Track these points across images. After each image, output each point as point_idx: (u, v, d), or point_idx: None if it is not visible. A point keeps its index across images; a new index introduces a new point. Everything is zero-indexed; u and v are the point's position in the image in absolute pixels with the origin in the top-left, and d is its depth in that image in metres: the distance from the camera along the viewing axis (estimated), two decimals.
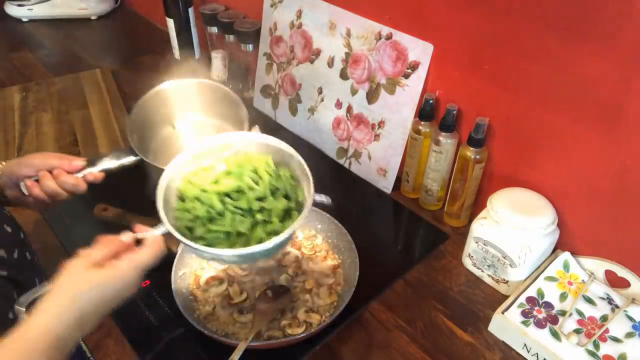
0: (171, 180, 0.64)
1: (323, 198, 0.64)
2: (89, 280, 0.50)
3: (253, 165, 0.65)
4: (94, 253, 0.53)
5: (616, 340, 0.68)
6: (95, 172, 0.71)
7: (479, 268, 0.81)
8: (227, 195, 0.63)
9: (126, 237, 0.57)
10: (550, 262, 0.78)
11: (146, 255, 0.55)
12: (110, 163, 0.75)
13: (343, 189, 1.02)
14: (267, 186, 0.63)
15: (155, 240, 0.57)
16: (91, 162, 0.72)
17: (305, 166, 0.64)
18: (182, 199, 0.64)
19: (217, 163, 0.67)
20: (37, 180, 0.67)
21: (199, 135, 0.93)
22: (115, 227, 0.87)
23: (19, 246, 0.64)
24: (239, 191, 0.64)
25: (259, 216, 0.62)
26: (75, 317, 0.48)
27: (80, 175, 0.69)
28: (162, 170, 0.67)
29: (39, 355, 0.45)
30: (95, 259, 0.52)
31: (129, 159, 0.79)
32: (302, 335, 0.68)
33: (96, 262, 0.52)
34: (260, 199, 0.63)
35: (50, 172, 0.67)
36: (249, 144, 0.68)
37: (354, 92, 0.99)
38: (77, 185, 0.68)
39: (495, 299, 0.78)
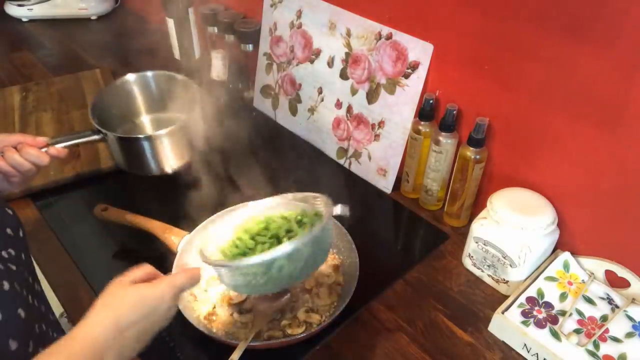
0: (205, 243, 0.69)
1: (339, 209, 0.67)
2: (128, 295, 0.52)
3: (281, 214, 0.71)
4: (135, 273, 0.55)
5: (616, 340, 0.68)
6: (58, 147, 0.74)
7: (479, 268, 0.81)
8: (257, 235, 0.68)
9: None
10: (550, 262, 0.78)
11: (183, 277, 0.57)
12: (74, 140, 0.79)
13: (343, 189, 1.02)
14: (294, 219, 0.68)
15: (192, 267, 0.60)
16: (55, 141, 0.76)
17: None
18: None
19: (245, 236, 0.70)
20: (2, 156, 0.71)
21: (159, 129, 0.98)
22: (115, 228, 0.88)
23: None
24: (266, 229, 0.69)
25: (285, 239, 0.65)
26: (115, 329, 0.50)
27: (43, 150, 0.73)
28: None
29: None
30: (135, 278, 0.55)
31: (93, 137, 0.83)
32: (302, 335, 0.68)
33: (136, 281, 0.54)
34: (288, 231, 0.67)
35: (15, 148, 0.71)
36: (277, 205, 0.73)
37: (354, 92, 0.99)
38: (39, 157, 0.71)
39: (495, 299, 0.78)
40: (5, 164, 0.70)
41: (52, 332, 0.62)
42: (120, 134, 0.89)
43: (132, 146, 0.88)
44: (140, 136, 0.89)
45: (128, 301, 0.52)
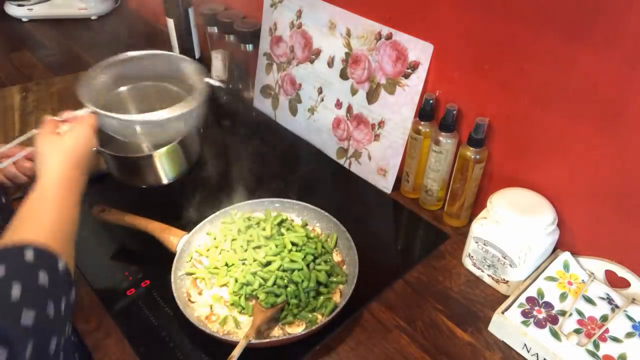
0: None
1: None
2: (60, 140, 0.66)
3: None
4: (50, 126, 0.68)
5: (616, 340, 0.68)
6: None
7: (479, 268, 0.81)
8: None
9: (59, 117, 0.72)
10: (550, 262, 0.78)
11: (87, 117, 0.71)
12: None
13: (343, 189, 1.02)
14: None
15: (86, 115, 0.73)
16: None
17: None
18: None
19: None
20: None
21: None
22: (115, 228, 0.88)
23: None
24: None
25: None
26: (67, 160, 0.64)
27: None
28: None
29: (53, 195, 0.61)
30: (54, 129, 0.68)
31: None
32: (302, 333, 0.68)
33: (54, 132, 0.68)
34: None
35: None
36: None
37: (354, 92, 0.99)
38: (33, 169, 0.75)
39: (495, 299, 0.78)
40: (2, 176, 0.75)
41: None
42: (117, 153, 0.84)
43: (128, 163, 0.85)
44: (138, 155, 0.85)
45: (64, 142, 0.66)
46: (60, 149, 0.65)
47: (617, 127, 0.68)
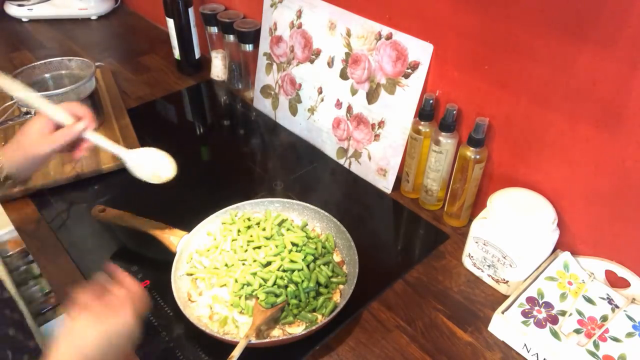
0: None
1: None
2: (91, 331, 0.53)
3: None
4: (86, 297, 0.55)
5: (616, 340, 0.68)
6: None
7: (479, 268, 0.81)
8: None
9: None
10: (550, 262, 0.78)
11: (141, 304, 0.59)
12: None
13: (343, 189, 1.02)
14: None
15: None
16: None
17: None
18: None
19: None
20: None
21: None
22: (115, 227, 0.88)
23: None
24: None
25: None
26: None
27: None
28: None
29: None
30: (88, 304, 0.55)
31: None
32: (302, 333, 0.68)
33: (89, 306, 0.55)
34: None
35: None
36: None
37: (354, 92, 0.99)
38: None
39: (495, 299, 0.78)
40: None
41: None
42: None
43: None
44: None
45: (93, 338, 0.52)
46: (89, 339, 0.52)
47: (617, 127, 0.68)
